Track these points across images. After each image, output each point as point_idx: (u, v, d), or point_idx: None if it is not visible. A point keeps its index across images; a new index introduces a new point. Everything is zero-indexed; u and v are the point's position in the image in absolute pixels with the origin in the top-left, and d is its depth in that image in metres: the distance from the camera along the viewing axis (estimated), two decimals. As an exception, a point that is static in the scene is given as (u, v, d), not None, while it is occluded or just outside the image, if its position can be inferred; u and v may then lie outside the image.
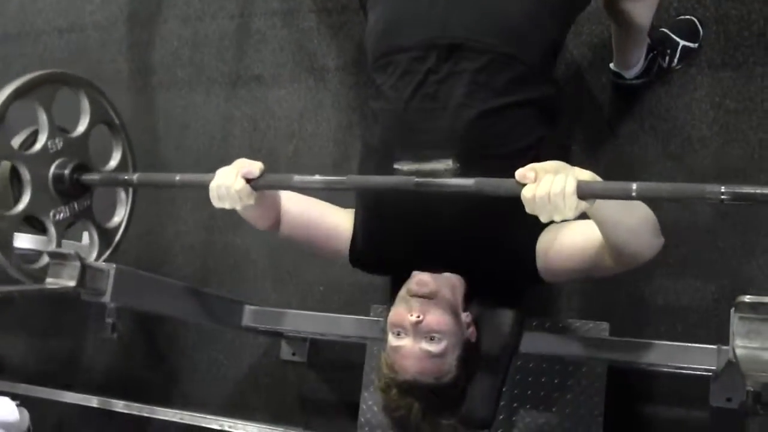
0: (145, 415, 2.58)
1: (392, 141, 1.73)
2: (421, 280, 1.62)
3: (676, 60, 2.22)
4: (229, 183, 1.60)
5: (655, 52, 2.19)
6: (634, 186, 1.32)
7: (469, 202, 1.53)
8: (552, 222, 1.39)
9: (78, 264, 1.82)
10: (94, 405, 2.70)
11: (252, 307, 2.33)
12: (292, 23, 2.80)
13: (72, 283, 1.82)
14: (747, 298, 1.26)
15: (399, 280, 1.71)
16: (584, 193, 1.34)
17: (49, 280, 1.85)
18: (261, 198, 1.69)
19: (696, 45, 2.22)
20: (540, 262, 1.66)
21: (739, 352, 1.25)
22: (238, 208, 1.65)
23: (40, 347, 3.11)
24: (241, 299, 2.39)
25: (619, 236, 1.50)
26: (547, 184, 1.34)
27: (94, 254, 2.08)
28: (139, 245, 2.93)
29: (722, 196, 1.25)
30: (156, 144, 3.00)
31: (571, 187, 1.33)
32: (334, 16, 2.73)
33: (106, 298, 1.87)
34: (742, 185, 1.25)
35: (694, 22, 2.22)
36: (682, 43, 2.20)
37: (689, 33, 2.21)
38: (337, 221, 1.83)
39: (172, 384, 2.84)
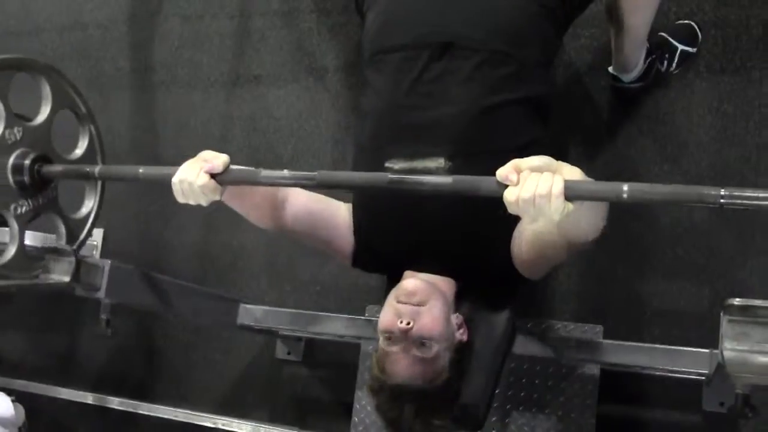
0: (140, 412, 2.59)
1: (383, 138, 1.73)
2: (409, 287, 1.59)
3: (674, 64, 2.22)
4: (192, 179, 1.50)
5: (653, 56, 2.19)
6: (625, 187, 1.24)
7: (457, 198, 1.48)
8: None
9: (73, 259, 1.82)
10: (90, 402, 2.71)
11: (247, 306, 2.32)
12: (291, 23, 2.81)
13: (66, 279, 1.82)
14: (736, 301, 1.26)
15: (395, 277, 1.71)
16: (572, 194, 1.25)
17: (43, 275, 1.83)
18: (239, 192, 1.66)
19: (695, 50, 2.21)
20: (514, 256, 1.66)
21: (727, 354, 1.25)
22: (203, 203, 1.55)
23: (36, 344, 3.11)
24: (237, 298, 2.39)
25: (580, 229, 1.45)
26: (532, 185, 1.24)
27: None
28: (135, 242, 2.94)
29: (721, 200, 1.16)
30: (155, 142, 3.01)
31: (558, 188, 1.23)
32: (333, 17, 2.74)
33: (101, 294, 1.85)
34: (743, 188, 1.16)
35: (693, 26, 2.22)
36: (680, 47, 2.20)
37: (688, 38, 2.21)
38: (338, 219, 1.81)
39: (167, 381, 2.84)
